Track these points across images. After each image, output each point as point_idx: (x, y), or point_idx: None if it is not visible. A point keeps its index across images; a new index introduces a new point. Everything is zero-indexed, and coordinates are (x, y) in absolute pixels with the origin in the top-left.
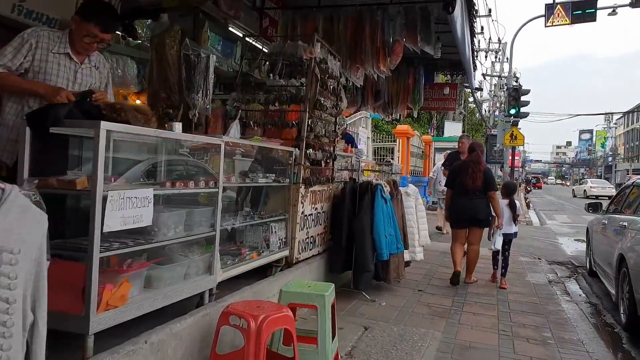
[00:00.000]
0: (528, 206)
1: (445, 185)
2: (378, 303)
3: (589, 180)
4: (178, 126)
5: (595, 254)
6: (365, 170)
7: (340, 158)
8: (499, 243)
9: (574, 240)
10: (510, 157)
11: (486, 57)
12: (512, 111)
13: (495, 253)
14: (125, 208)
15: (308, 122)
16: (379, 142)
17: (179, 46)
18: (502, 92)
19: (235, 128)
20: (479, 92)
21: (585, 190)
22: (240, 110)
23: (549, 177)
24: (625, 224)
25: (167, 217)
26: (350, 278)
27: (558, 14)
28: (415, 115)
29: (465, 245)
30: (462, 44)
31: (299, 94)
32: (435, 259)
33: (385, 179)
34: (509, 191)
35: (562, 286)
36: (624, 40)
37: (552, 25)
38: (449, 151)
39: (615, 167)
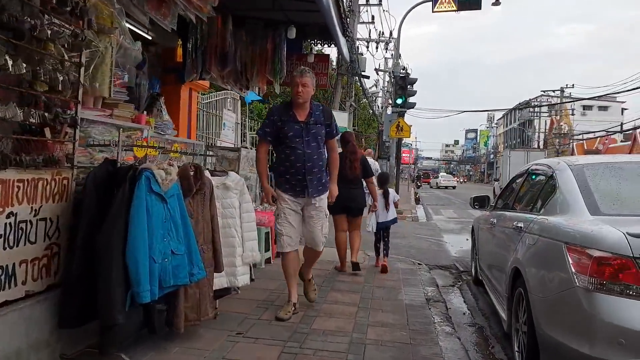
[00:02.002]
0: (417, 201)
1: None
2: None
3: (439, 174)
4: None
5: (482, 260)
6: (136, 145)
7: (114, 129)
8: (374, 226)
9: (459, 237)
10: (395, 150)
11: (377, 48)
12: (399, 101)
13: (376, 241)
14: None
15: None
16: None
17: None
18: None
19: None
20: (367, 80)
21: (437, 183)
22: None
23: (441, 174)
24: (521, 225)
25: None
26: None
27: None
28: (277, 90)
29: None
30: None
31: None
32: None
33: (182, 163)
34: (382, 181)
35: (443, 306)
36: (507, 48)
37: (439, 11)
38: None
39: (497, 164)
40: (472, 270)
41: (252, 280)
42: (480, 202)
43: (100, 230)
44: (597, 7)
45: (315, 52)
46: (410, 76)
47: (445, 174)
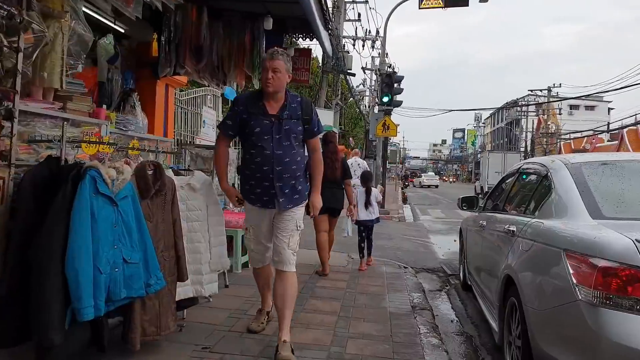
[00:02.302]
0: (405, 201)
1: None
2: None
3: (422, 174)
4: None
5: (470, 264)
6: (83, 142)
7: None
8: (349, 230)
9: (447, 238)
10: (382, 149)
11: (363, 46)
12: (385, 99)
13: (360, 241)
14: None
15: None
16: None
17: None
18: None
19: None
20: (354, 78)
21: (420, 182)
22: None
23: (424, 173)
24: (513, 228)
25: None
26: None
27: None
28: (257, 86)
29: None
30: None
31: None
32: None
33: (138, 161)
34: (365, 180)
35: (429, 315)
36: (495, 48)
37: (426, 8)
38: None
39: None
40: (461, 274)
41: (225, 286)
42: (468, 203)
43: (36, 238)
44: (586, 8)
45: (297, 47)
46: (397, 74)
47: (429, 173)
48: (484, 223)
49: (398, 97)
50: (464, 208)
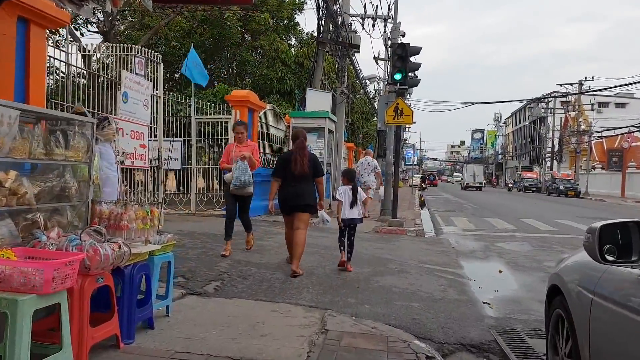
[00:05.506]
0: (422, 205)
1: (272, 175)
2: None
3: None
4: None
5: None
6: None
7: None
8: (326, 217)
9: (487, 265)
10: (394, 143)
11: (374, 26)
12: (398, 76)
13: (340, 235)
14: None
15: None
16: (217, 115)
17: None
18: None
19: None
20: (365, 73)
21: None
22: None
23: (455, 174)
24: None
25: None
26: None
27: None
28: (149, 6)
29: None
30: None
31: None
32: None
33: None
34: (349, 177)
35: None
36: (510, 49)
37: None
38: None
39: (506, 165)
40: None
41: None
42: (618, 242)
43: None
44: (607, 6)
45: None
46: (413, 46)
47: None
48: None
49: (413, 77)
50: (607, 261)
